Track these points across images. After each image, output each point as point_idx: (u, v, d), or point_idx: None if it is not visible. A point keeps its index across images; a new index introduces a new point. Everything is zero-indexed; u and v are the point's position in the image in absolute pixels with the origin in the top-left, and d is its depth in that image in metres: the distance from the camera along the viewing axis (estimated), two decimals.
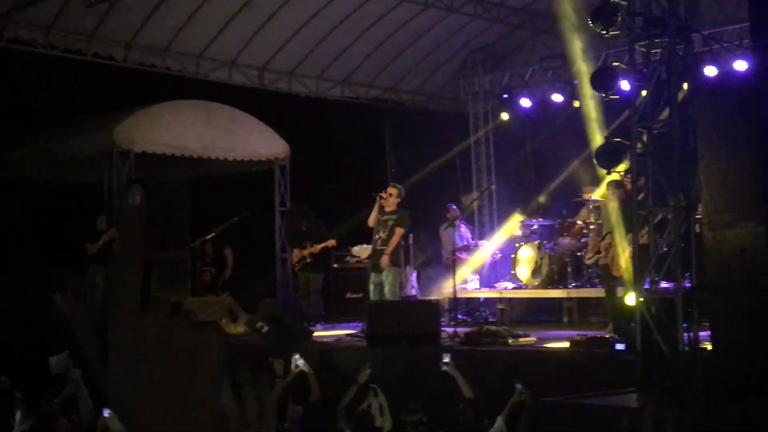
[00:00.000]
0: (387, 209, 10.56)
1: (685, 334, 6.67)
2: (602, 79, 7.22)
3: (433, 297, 12.77)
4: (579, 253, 12.48)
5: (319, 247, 12.45)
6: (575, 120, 14.17)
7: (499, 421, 6.58)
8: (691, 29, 6.77)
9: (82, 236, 12.32)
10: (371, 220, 10.66)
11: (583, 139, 12.19)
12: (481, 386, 8.23)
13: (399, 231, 10.49)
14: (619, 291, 10.27)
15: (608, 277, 10.29)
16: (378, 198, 10.54)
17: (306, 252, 12.44)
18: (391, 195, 10.58)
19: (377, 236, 10.56)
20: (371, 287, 10.72)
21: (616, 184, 10.41)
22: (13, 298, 12.42)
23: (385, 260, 10.49)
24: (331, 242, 12.56)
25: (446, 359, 7.59)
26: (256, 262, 14.31)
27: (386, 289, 10.61)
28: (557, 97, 14.69)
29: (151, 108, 12.91)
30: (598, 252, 10.49)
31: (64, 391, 8.02)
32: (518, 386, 6.69)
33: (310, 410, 7.91)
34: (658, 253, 6.89)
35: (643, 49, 6.83)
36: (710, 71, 12.05)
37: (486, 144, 16.26)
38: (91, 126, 12.93)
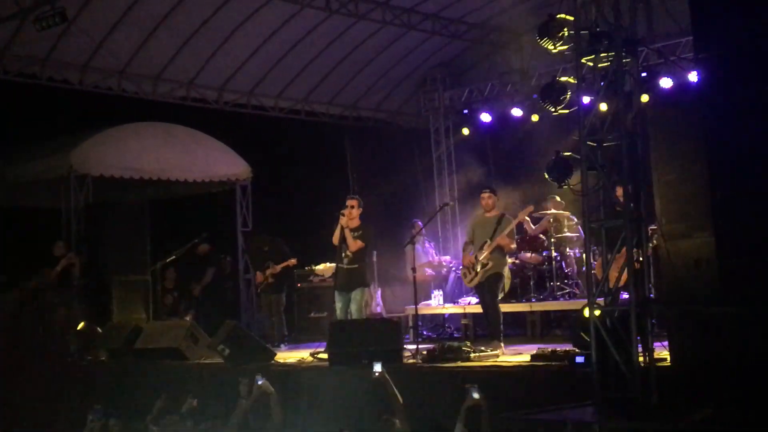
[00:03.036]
0: (351, 225, 10.40)
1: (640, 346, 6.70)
2: (552, 94, 7.25)
3: (397, 314, 12.75)
4: (542, 267, 12.51)
5: (279, 267, 12.36)
6: (535, 134, 14.30)
7: (459, 427, 6.61)
8: (637, 42, 6.81)
9: (39, 261, 12.16)
10: (335, 238, 10.46)
11: (544, 153, 12.24)
12: (443, 403, 8.24)
13: (358, 243, 10.36)
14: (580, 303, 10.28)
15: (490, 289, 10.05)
16: (340, 215, 10.36)
17: (268, 272, 12.36)
18: (353, 207, 10.39)
19: (343, 254, 10.39)
20: (338, 305, 10.52)
21: (490, 193, 10.23)
22: None
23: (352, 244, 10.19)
24: (292, 261, 12.48)
25: (377, 367, 7.77)
26: (218, 284, 14.21)
27: (353, 307, 10.43)
28: (517, 112, 14.77)
29: (108, 131, 12.82)
30: (482, 266, 9.97)
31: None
32: (471, 389, 6.79)
33: None
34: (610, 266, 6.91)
35: (591, 64, 6.87)
36: (666, 83, 12.15)
37: (448, 159, 16.29)
38: (47, 150, 12.80)
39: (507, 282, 12.59)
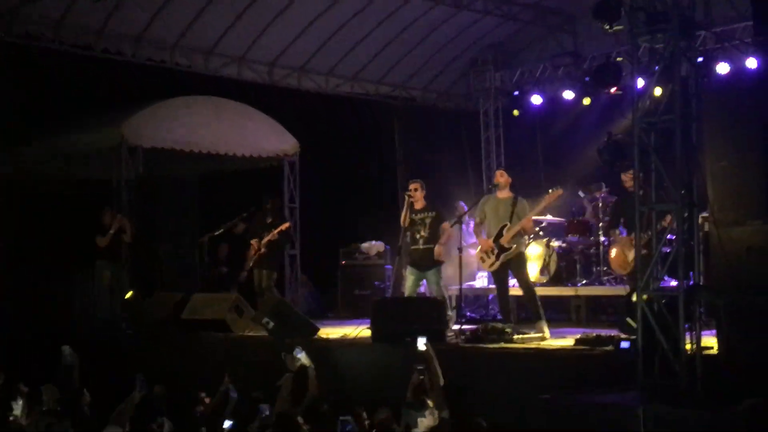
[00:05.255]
0: (417, 206, 10.46)
1: (689, 333, 6.61)
2: (606, 74, 7.16)
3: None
4: (589, 251, 12.41)
5: (274, 233, 11.99)
6: (586, 117, 14.15)
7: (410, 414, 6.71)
8: (695, 25, 6.69)
9: (90, 231, 12.31)
10: (404, 220, 10.52)
11: (594, 136, 12.10)
12: (486, 383, 8.25)
13: (446, 227, 10.43)
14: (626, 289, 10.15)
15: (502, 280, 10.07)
16: (407, 197, 10.46)
17: (263, 242, 12.00)
18: (416, 190, 10.48)
19: (418, 236, 10.39)
20: (409, 281, 10.57)
21: (503, 171, 10.12)
22: (22, 290, 12.50)
23: (438, 250, 10.32)
24: (285, 225, 12.15)
25: (422, 342, 7.92)
26: None
27: (433, 287, 10.53)
28: (568, 95, 14.59)
29: (159, 103, 12.90)
30: (503, 250, 9.83)
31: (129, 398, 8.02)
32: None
33: None
34: (661, 251, 6.82)
35: (647, 44, 6.76)
36: (723, 68, 11.92)
37: (496, 141, 16.18)
38: (99, 121, 12.93)
39: (553, 265, 12.57)
